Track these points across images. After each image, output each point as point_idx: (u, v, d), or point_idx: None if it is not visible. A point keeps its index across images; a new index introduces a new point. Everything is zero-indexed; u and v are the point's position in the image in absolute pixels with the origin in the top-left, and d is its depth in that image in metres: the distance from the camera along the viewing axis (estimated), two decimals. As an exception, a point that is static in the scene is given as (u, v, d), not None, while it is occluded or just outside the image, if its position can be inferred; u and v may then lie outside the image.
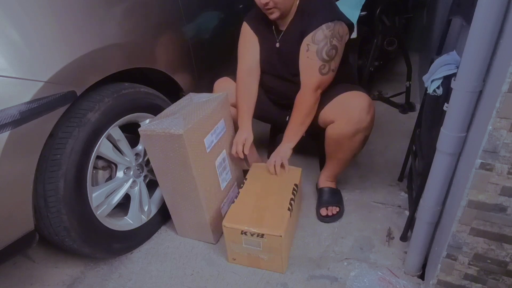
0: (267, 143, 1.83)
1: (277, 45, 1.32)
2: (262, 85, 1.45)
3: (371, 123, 1.25)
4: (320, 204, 1.42)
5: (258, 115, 1.47)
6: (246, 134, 1.33)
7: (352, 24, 1.26)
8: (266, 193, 1.24)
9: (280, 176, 1.32)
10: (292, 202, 1.20)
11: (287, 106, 1.46)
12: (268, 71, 1.39)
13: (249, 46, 1.37)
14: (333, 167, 1.42)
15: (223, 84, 1.45)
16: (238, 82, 1.39)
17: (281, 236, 1.07)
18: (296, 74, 1.28)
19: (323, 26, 1.17)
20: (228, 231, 1.14)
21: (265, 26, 1.33)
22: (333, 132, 1.26)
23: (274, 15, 1.20)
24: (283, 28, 1.29)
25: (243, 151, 1.30)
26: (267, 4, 1.16)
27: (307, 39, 1.20)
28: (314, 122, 1.30)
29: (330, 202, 1.41)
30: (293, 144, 1.30)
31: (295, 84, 1.31)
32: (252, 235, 1.10)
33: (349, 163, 1.41)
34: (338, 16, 1.20)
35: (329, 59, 1.19)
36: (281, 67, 1.34)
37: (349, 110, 1.21)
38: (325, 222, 1.38)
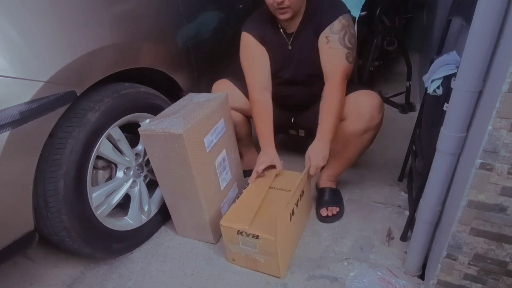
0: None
1: (290, 47, 1.30)
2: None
3: (381, 121, 1.26)
4: (320, 204, 1.42)
5: None
6: (272, 160, 1.27)
7: (355, 18, 1.28)
8: (269, 196, 1.23)
9: (287, 180, 1.29)
10: (295, 206, 1.18)
11: (292, 108, 1.46)
12: (280, 76, 1.36)
13: (257, 59, 1.30)
14: (337, 166, 1.42)
15: (220, 87, 1.44)
16: (254, 103, 1.31)
17: (275, 239, 1.05)
18: (311, 74, 1.28)
19: (340, 17, 1.18)
20: (226, 230, 1.14)
21: (271, 32, 1.29)
22: (343, 130, 1.26)
23: (286, 15, 1.17)
24: (293, 30, 1.27)
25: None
26: (282, 2, 1.12)
27: (325, 32, 1.19)
28: None
29: (330, 202, 1.41)
30: (328, 141, 1.20)
31: (305, 86, 1.31)
32: (248, 235, 1.09)
33: (352, 163, 1.41)
34: (348, 10, 1.22)
35: (352, 47, 1.19)
36: (295, 69, 1.32)
37: (361, 108, 1.22)
38: (325, 222, 1.37)
